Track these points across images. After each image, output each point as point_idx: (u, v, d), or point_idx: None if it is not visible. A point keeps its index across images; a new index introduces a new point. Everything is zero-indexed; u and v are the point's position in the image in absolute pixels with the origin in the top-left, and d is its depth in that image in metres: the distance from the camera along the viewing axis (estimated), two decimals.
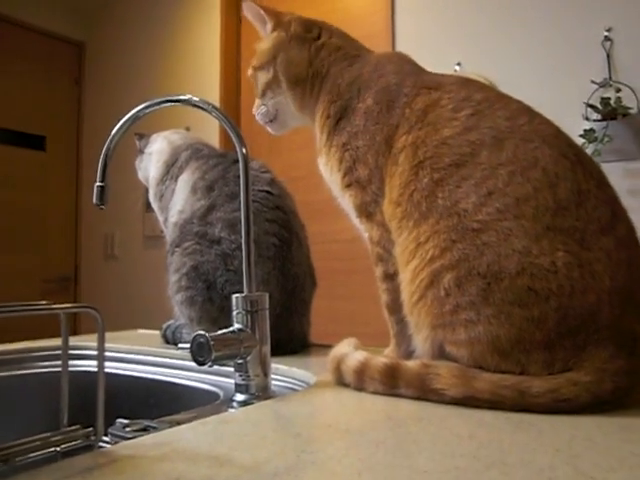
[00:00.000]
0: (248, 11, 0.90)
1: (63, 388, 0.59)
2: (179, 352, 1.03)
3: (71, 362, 1.01)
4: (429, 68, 0.80)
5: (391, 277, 0.74)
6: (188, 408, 0.78)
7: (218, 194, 1.07)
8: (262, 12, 0.88)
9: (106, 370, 0.60)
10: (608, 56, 1.91)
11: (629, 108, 1.83)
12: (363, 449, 0.47)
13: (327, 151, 0.81)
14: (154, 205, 1.28)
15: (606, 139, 1.82)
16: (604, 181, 0.64)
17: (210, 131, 2.69)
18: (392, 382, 0.64)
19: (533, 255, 0.58)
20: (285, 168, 1.90)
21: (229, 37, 3.03)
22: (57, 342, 1.07)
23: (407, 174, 0.69)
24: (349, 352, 0.70)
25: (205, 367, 0.65)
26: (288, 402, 0.66)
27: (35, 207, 3.41)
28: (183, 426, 0.56)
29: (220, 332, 0.67)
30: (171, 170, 1.23)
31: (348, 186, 0.77)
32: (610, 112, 1.84)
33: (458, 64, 2.19)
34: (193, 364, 0.65)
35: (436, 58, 1.87)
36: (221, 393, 0.88)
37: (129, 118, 0.78)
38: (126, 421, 0.71)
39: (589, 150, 1.81)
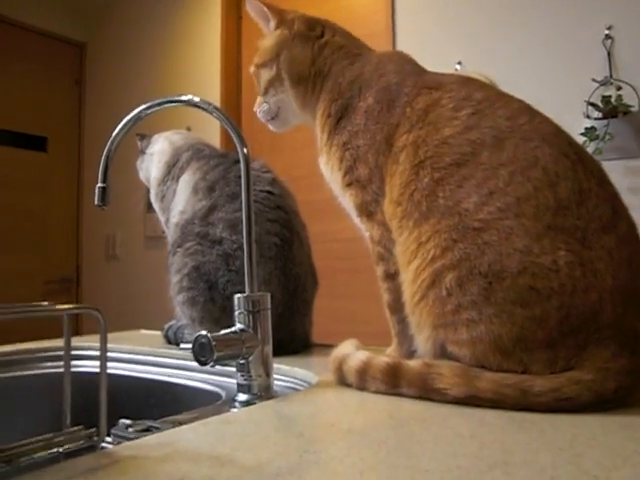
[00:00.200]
0: (251, 8, 0.89)
1: (65, 389, 0.59)
2: (181, 352, 1.03)
3: (73, 363, 1.01)
4: (430, 67, 0.80)
5: (392, 276, 0.74)
6: (190, 408, 0.78)
7: (219, 194, 1.07)
8: (265, 9, 0.88)
9: (108, 371, 0.60)
10: (609, 54, 1.91)
11: (630, 106, 1.83)
12: (365, 449, 0.47)
13: (328, 150, 0.81)
14: (155, 206, 1.28)
15: (607, 137, 1.82)
16: (605, 179, 0.64)
17: (211, 131, 2.69)
18: (394, 382, 0.64)
19: (534, 254, 0.58)
20: (286, 168, 1.90)
21: (230, 37, 3.03)
22: (59, 343, 1.07)
23: (408, 173, 0.69)
24: (351, 352, 0.70)
25: (207, 367, 0.65)
26: (290, 402, 0.66)
27: (36, 208, 3.41)
28: (185, 426, 0.56)
29: (222, 332, 0.67)
30: (172, 171, 1.24)
31: (349, 185, 0.77)
32: (611, 110, 1.83)
33: (459, 63, 2.19)
34: (195, 364, 0.65)
35: (437, 57, 1.87)
36: (223, 393, 0.88)
37: (130, 119, 0.78)
38: (129, 422, 0.71)
39: (590, 148, 1.81)
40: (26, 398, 1.06)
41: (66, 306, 0.57)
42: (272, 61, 0.87)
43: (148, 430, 0.69)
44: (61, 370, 0.61)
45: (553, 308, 0.57)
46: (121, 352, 1.11)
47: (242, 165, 0.74)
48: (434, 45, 2.27)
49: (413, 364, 0.63)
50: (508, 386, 0.57)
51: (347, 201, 0.79)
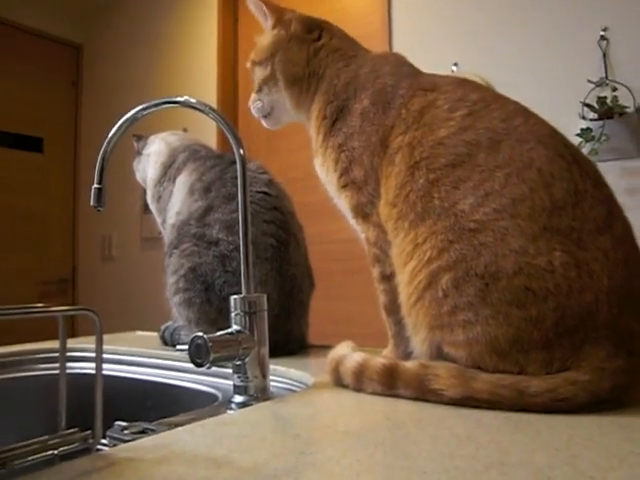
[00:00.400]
0: (251, 4, 0.89)
1: (61, 391, 0.59)
2: (177, 354, 1.03)
3: (69, 364, 1.01)
4: (426, 68, 0.80)
5: (388, 278, 0.74)
6: (186, 410, 0.78)
7: (216, 195, 1.07)
8: (264, 7, 0.88)
9: (104, 372, 0.60)
10: (604, 55, 1.91)
11: (625, 107, 1.83)
12: (362, 450, 0.47)
13: (323, 152, 0.81)
14: (152, 207, 1.28)
15: (603, 138, 1.83)
16: (600, 180, 0.65)
17: (208, 132, 2.69)
18: (391, 383, 0.64)
19: (530, 255, 0.58)
20: (283, 169, 1.91)
21: (226, 38, 3.03)
22: (55, 344, 1.06)
23: (403, 175, 0.69)
24: (347, 353, 0.70)
25: (203, 369, 0.65)
26: (287, 403, 0.66)
27: (32, 209, 3.40)
28: (181, 428, 0.56)
29: (218, 334, 0.67)
30: (169, 172, 1.23)
31: (344, 187, 0.77)
32: (607, 111, 1.84)
33: (455, 64, 2.20)
34: (191, 366, 0.65)
35: (433, 58, 1.88)
36: (219, 395, 0.88)
37: (127, 120, 0.78)
38: (124, 423, 0.71)
39: (586, 149, 1.81)
40: (21, 400, 1.05)
41: (61, 308, 0.57)
42: (267, 60, 0.87)
43: (144, 432, 0.69)
44: (56, 372, 0.61)
45: (549, 309, 0.57)
46: (117, 353, 1.10)
47: (238, 166, 0.74)
48: (430, 46, 2.27)
49: (409, 365, 0.63)
50: (504, 387, 0.57)
51: (342, 202, 0.79)
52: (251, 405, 0.67)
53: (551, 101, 1.73)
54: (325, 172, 0.81)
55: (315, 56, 0.85)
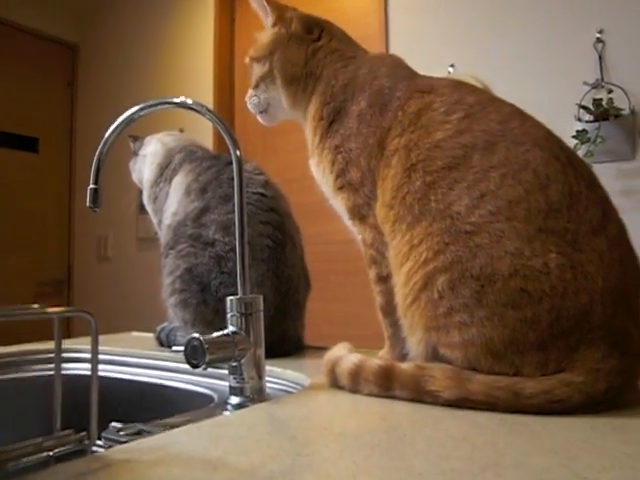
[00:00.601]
0: (253, 0, 0.89)
1: (56, 392, 0.59)
2: (173, 355, 1.03)
3: (64, 365, 1.00)
4: (422, 69, 0.80)
5: (385, 279, 0.74)
6: (182, 411, 0.77)
7: (212, 196, 1.07)
8: (265, 4, 0.87)
9: (100, 373, 0.60)
10: (600, 58, 1.92)
11: (621, 109, 1.84)
12: (358, 452, 0.47)
13: (319, 153, 0.81)
14: (148, 207, 1.28)
15: (599, 140, 1.83)
16: (595, 182, 0.65)
17: (204, 133, 2.69)
18: (387, 384, 0.64)
19: (525, 257, 0.58)
20: (279, 170, 1.90)
21: (223, 39, 3.03)
22: (50, 345, 1.06)
23: (400, 177, 0.69)
24: (344, 355, 0.70)
25: (199, 370, 0.65)
26: (283, 405, 0.66)
27: (28, 209, 3.39)
28: (177, 430, 0.56)
29: (214, 335, 0.67)
30: (165, 172, 1.23)
31: (340, 188, 0.77)
32: (602, 113, 1.85)
33: (451, 65, 2.20)
34: (187, 367, 0.65)
35: (429, 59, 1.88)
36: (215, 396, 0.88)
37: (123, 120, 0.78)
38: (120, 425, 0.71)
39: (582, 151, 1.82)
40: (16, 401, 1.05)
41: (57, 309, 0.57)
42: (265, 58, 0.87)
43: (139, 433, 0.68)
44: (52, 373, 0.61)
45: (544, 310, 0.57)
46: (113, 354, 1.10)
47: (235, 167, 0.74)
48: (427, 48, 2.27)
49: (405, 367, 0.63)
50: (500, 388, 0.57)
51: (339, 204, 0.79)
52: (247, 406, 0.67)
53: (547, 103, 1.74)
54: (321, 173, 0.81)
55: (313, 57, 0.85)
